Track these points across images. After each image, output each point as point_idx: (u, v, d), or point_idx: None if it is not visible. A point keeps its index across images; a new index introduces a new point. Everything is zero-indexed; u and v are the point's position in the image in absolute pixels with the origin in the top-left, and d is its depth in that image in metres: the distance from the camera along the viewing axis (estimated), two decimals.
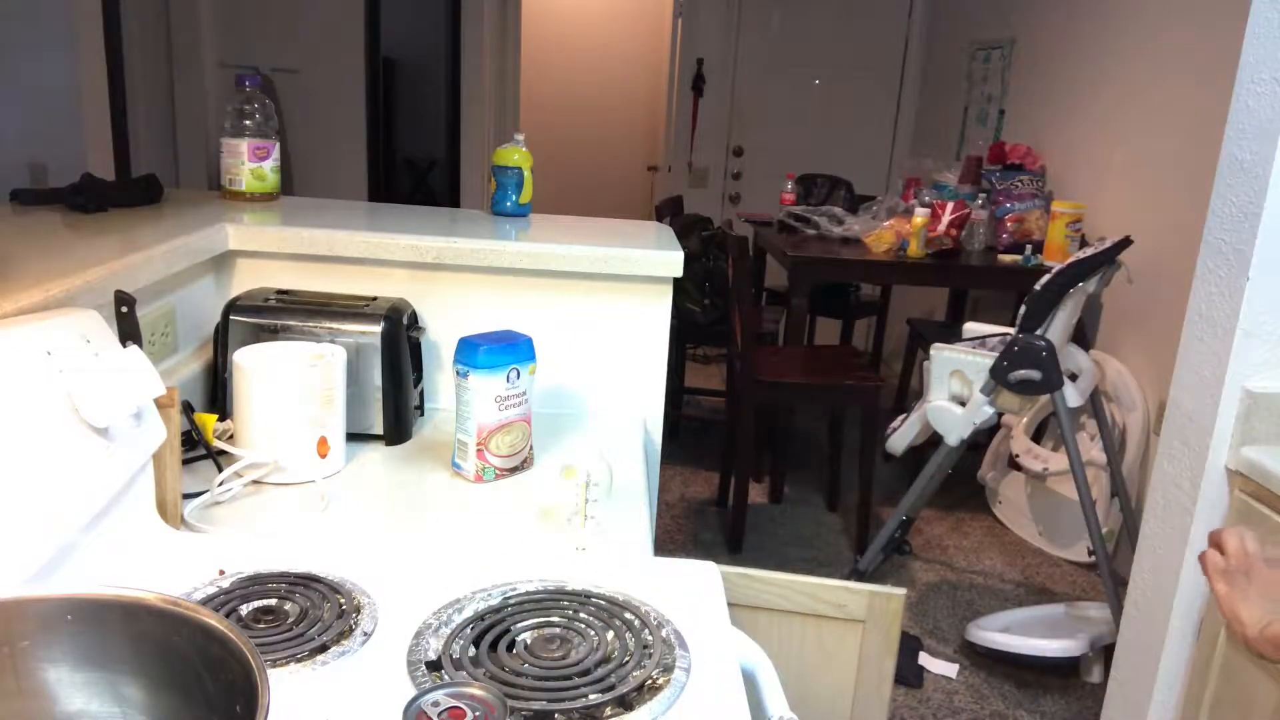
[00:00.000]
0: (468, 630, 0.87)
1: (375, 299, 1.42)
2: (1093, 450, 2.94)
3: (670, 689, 0.81)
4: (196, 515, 1.12)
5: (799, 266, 3.22)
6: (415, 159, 6.37)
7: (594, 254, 1.49)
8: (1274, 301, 1.59)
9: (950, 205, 3.44)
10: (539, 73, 6.03)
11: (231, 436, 1.25)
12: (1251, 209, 1.57)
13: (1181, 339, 1.74)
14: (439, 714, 0.64)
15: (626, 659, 0.84)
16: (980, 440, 3.23)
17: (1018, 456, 3.18)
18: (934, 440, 2.56)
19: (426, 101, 5.99)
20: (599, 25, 6.20)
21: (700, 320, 3.71)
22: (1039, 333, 2.35)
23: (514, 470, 1.30)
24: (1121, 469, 2.87)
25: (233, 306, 1.36)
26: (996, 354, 2.37)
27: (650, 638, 0.87)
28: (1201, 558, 0.97)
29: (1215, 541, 0.97)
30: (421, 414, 1.49)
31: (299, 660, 0.82)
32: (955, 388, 2.47)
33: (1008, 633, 2.50)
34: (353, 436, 1.33)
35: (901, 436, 2.64)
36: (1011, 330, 2.43)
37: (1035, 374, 2.32)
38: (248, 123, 1.65)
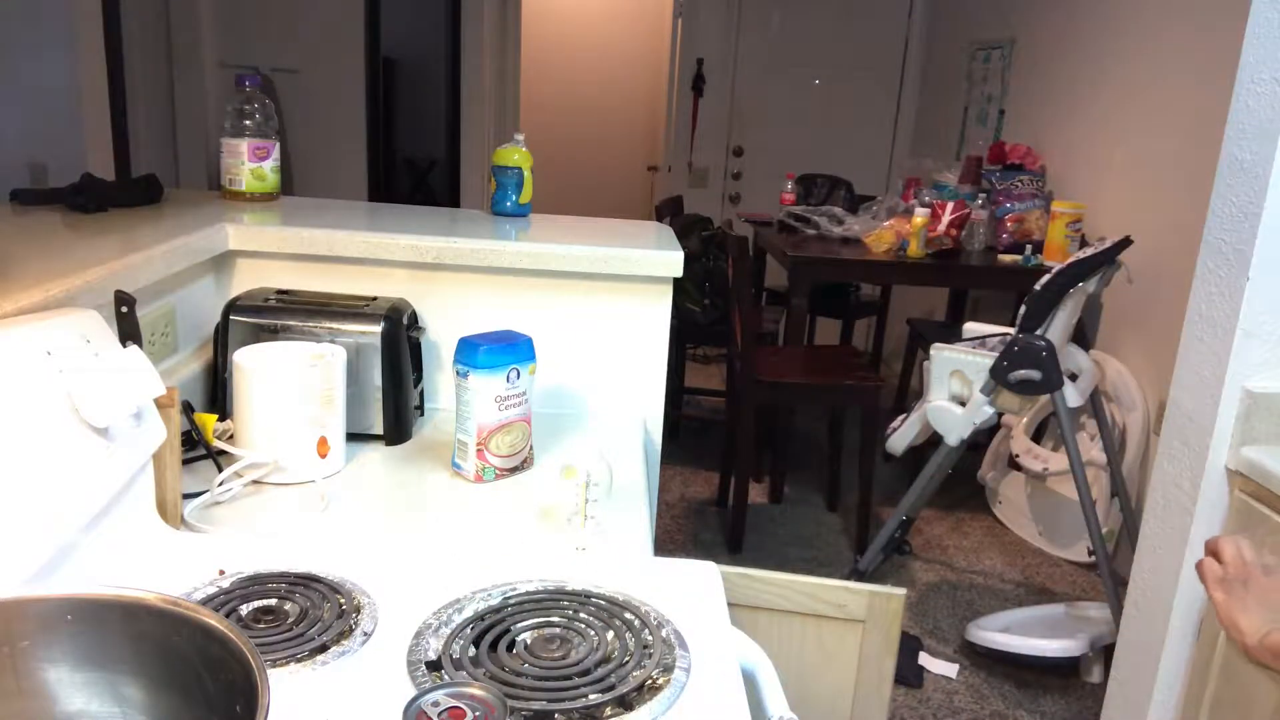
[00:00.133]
0: (468, 630, 0.87)
1: (375, 299, 1.42)
2: (1093, 450, 2.94)
3: (670, 689, 0.81)
4: (196, 515, 1.12)
5: (799, 266, 3.22)
6: (415, 159, 6.37)
7: (594, 254, 1.49)
8: (1274, 301, 1.59)
9: (950, 205, 3.44)
10: (539, 73, 6.03)
11: (231, 436, 1.25)
12: (1251, 209, 1.57)
13: (1181, 339, 1.74)
14: (439, 714, 0.64)
15: (626, 659, 0.84)
16: (980, 440, 3.23)
17: (1018, 456, 3.18)
18: (934, 440, 2.56)
19: (426, 101, 6.00)
20: (599, 25, 6.20)
21: (700, 320, 3.71)
22: (1039, 333, 2.35)
23: (514, 470, 1.30)
24: (1121, 469, 2.87)
25: (233, 306, 1.36)
26: (996, 354, 2.37)
27: (650, 638, 0.87)
28: (1199, 566, 0.97)
29: (1212, 550, 0.97)
30: (421, 414, 1.49)
31: (299, 660, 0.82)
32: (955, 388, 2.47)
33: (1008, 633, 2.50)
34: (353, 436, 1.33)
35: (901, 436, 2.64)
36: (1011, 330, 2.43)
37: (1035, 374, 2.32)
38: (248, 123, 1.65)
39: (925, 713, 2.33)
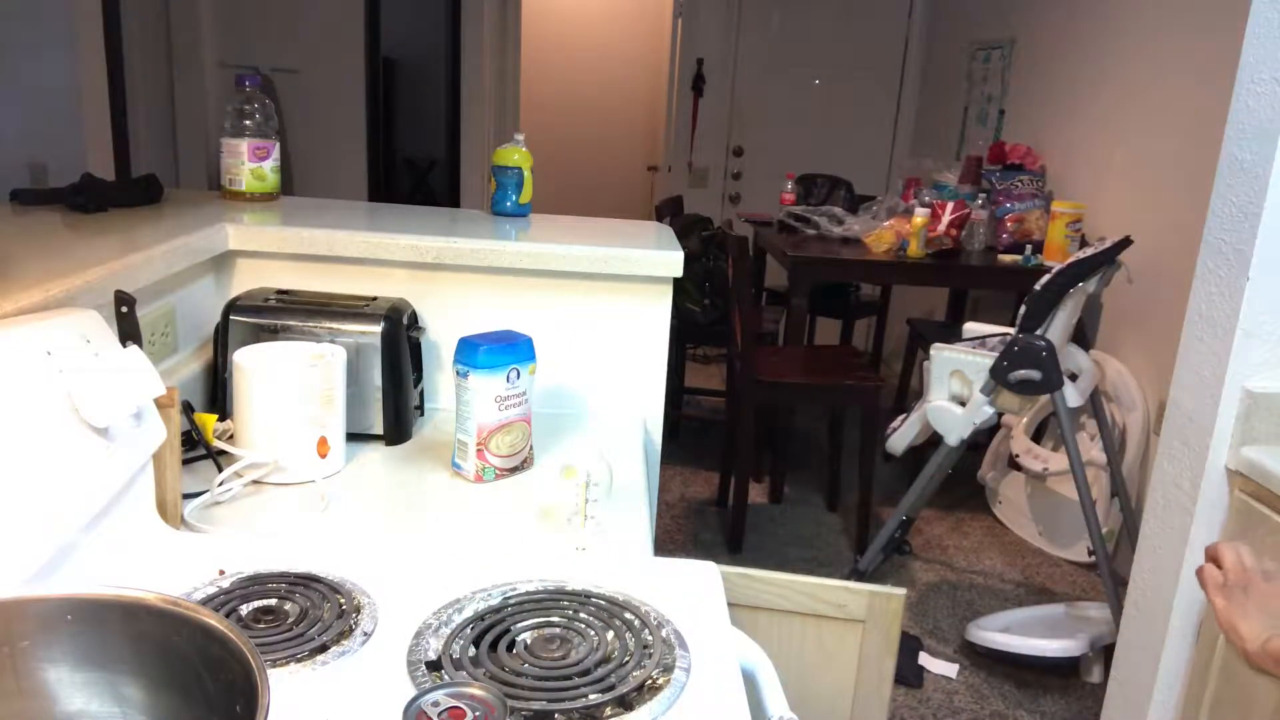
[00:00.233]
0: (468, 630, 0.87)
1: (375, 299, 1.42)
2: (1093, 450, 2.94)
3: (670, 689, 0.81)
4: (196, 515, 1.12)
5: (799, 266, 3.22)
6: (415, 159, 6.37)
7: (594, 254, 1.49)
8: (1274, 301, 1.59)
9: (950, 205, 3.44)
10: (539, 73, 6.03)
11: (231, 436, 1.25)
12: (1251, 209, 1.57)
13: (1181, 339, 1.74)
14: (439, 714, 0.64)
15: (626, 659, 0.84)
16: (980, 440, 3.23)
17: (1018, 456, 3.18)
18: (934, 440, 2.56)
19: (426, 101, 5.99)
20: (599, 25, 6.20)
21: (700, 320, 3.71)
22: (1039, 333, 2.35)
23: (514, 470, 1.30)
24: (1121, 469, 2.87)
25: (233, 306, 1.36)
26: (996, 354, 2.37)
27: (650, 638, 0.87)
28: (1199, 573, 0.97)
29: (1212, 556, 0.97)
30: (421, 414, 1.49)
31: (299, 660, 0.82)
32: (955, 388, 2.47)
33: (1008, 633, 2.50)
34: (353, 436, 1.33)
35: (901, 436, 2.64)
36: (1011, 330, 2.43)
37: (1035, 374, 2.32)
38: (248, 123, 1.65)
39: (925, 713, 2.33)
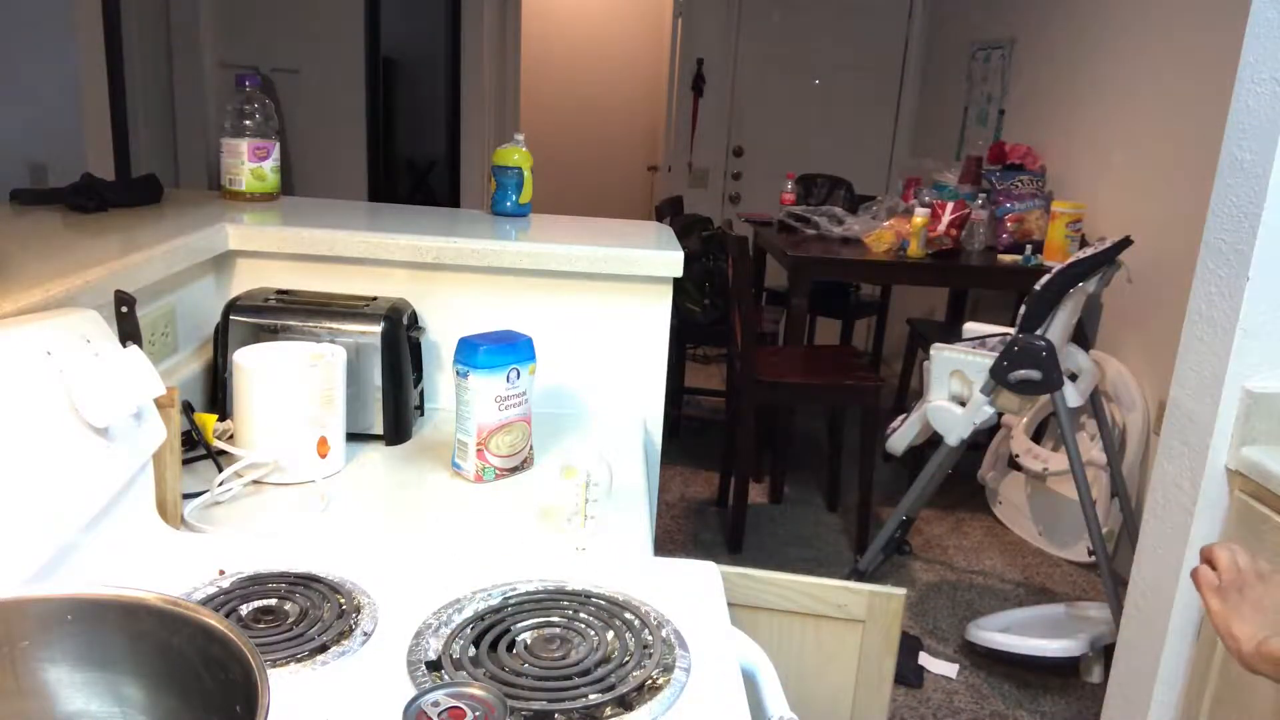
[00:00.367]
0: (468, 630, 0.87)
1: (375, 299, 1.42)
2: (1093, 450, 2.94)
3: (670, 689, 0.81)
4: (196, 515, 1.12)
5: (799, 266, 3.22)
6: (415, 159, 6.36)
7: (594, 254, 1.49)
8: (1274, 301, 1.59)
9: (950, 205, 3.44)
10: (539, 73, 6.03)
11: (231, 436, 1.25)
12: (1251, 209, 1.57)
13: (1181, 339, 1.74)
14: (439, 714, 0.64)
15: (626, 659, 0.84)
16: (980, 440, 3.23)
17: (1018, 456, 3.18)
18: (934, 440, 2.56)
19: (426, 101, 5.99)
20: (599, 25, 6.20)
21: (700, 320, 3.71)
22: (1039, 333, 2.35)
23: (514, 470, 1.30)
24: (1121, 469, 2.87)
25: (233, 306, 1.36)
26: (996, 354, 2.37)
27: (650, 638, 0.87)
28: (1194, 574, 0.97)
29: (1207, 557, 0.97)
30: (421, 414, 1.49)
31: (299, 660, 0.82)
32: (955, 388, 2.47)
33: (1008, 633, 2.50)
34: (353, 436, 1.33)
35: (901, 436, 2.64)
36: (1011, 330, 2.43)
37: (1035, 374, 2.32)
38: (248, 123, 1.65)
39: (925, 713, 2.33)
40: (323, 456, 1.24)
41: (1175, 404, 1.76)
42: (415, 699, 0.65)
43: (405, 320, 1.40)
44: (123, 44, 3.81)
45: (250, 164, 1.66)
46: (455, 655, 0.83)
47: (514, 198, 1.73)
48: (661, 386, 1.59)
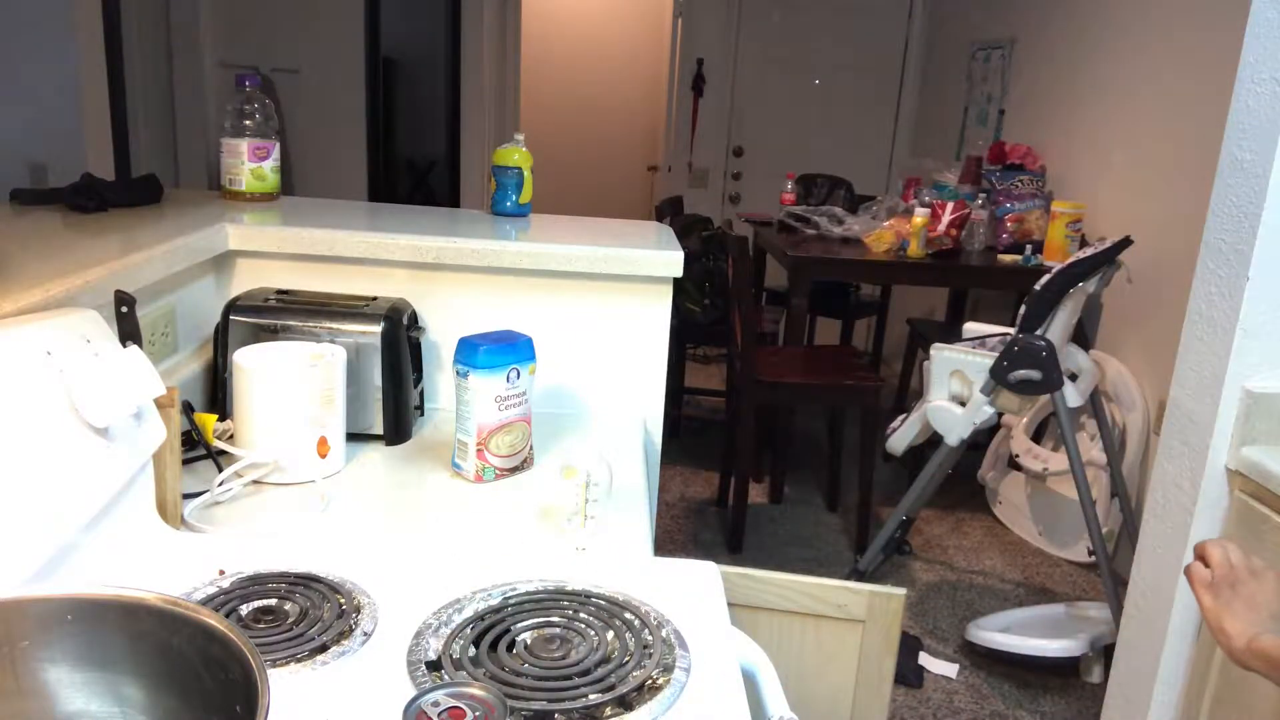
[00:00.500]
0: (468, 630, 0.87)
1: (375, 299, 1.42)
2: (1093, 450, 2.94)
3: (670, 689, 0.81)
4: (196, 515, 1.12)
5: (799, 266, 3.22)
6: (415, 159, 6.36)
7: (594, 254, 1.49)
8: (1274, 301, 1.59)
9: (950, 205, 3.44)
10: (539, 73, 6.02)
11: (231, 436, 1.25)
12: (1251, 209, 1.57)
13: (1181, 339, 1.74)
14: (439, 714, 0.64)
15: (626, 659, 0.84)
16: (980, 440, 3.23)
17: (1018, 456, 3.18)
18: (934, 440, 2.56)
19: (426, 101, 5.99)
20: (599, 25, 6.20)
21: (700, 320, 3.71)
22: (1039, 333, 2.35)
23: (514, 470, 1.30)
24: (1121, 469, 2.87)
25: (233, 306, 1.36)
26: (996, 354, 2.37)
27: (650, 638, 0.87)
28: (1187, 570, 0.97)
29: (1200, 553, 0.97)
30: (421, 414, 1.49)
31: (299, 660, 0.82)
32: (955, 388, 2.47)
33: (1008, 633, 2.50)
34: (353, 436, 1.33)
35: (901, 436, 2.64)
36: (1011, 330, 2.43)
37: (1035, 374, 2.32)
38: (248, 123, 1.65)
39: (925, 713, 2.33)
40: (323, 456, 1.24)
41: (1175, 404, 1.76)
42: (415, 699, 0.65)
43: (405, 320, 1.40)
44: (123, 44, 3.81)
45: (250, 164, 1.66)
46: (455, 655, 0.83)
47: (514, 198, 1.73)
48: (661, 386, 1.59)
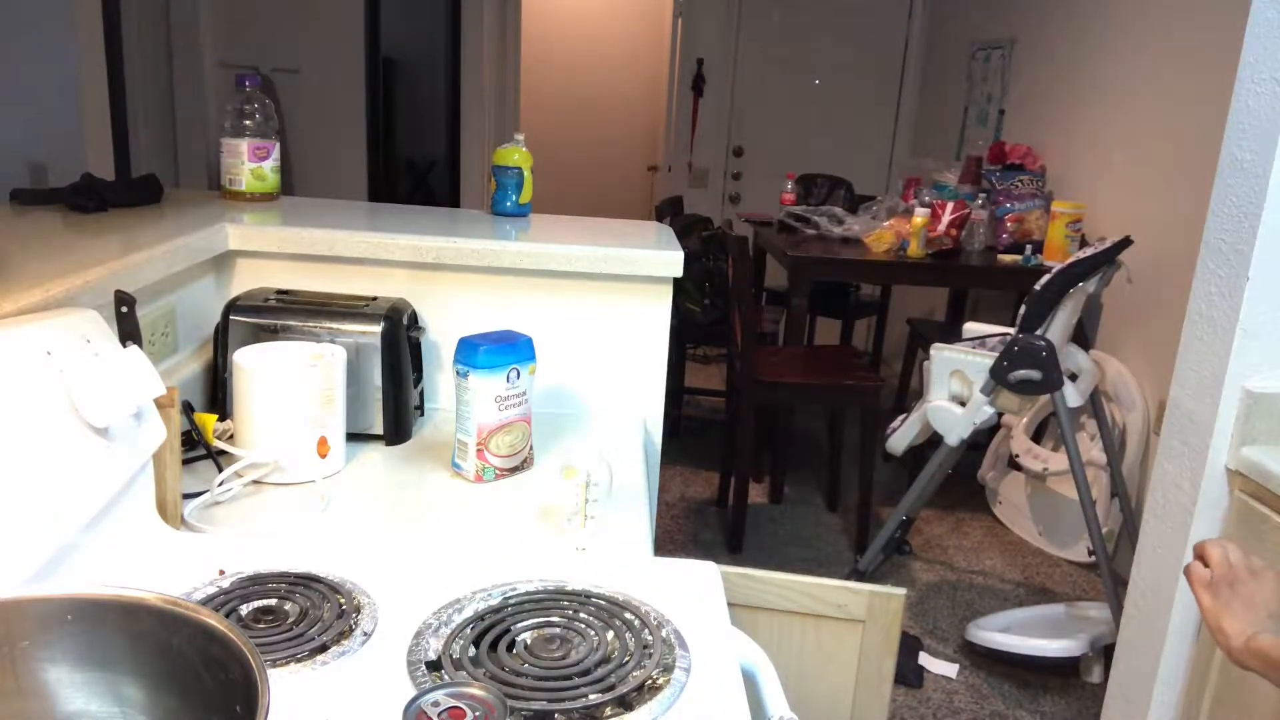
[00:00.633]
0: (468, 630, 0.87)
1: (375, 299, 1.42)
2: (1093, 450, 2.94)
3: (670, 689, 0.81)
4: (196, 515, 1.12)
5: (799, 266, 3.22)
6: (415, 159, 6.36)
7: (594, 254, 1.49)
8: (1274, 301, 1.59)
9: (950, 205, 3.44)
10: (539, 73, 6.02)
11: (231, 436, 1.25)
12: (1251, 209, 1.57)
13: (1181, 339, 1.74)
14: (439, 714, 0.64)
15: (626, 659, 0.84)
16: (980, 440, 3.23)
17: (1018, 456, 3.18)
18: (934, 440, 2.56)
19: (426, 101, 5.99)
20: (599, 25, 6.20)
21: (700, 320, 3.71)
22: (1039, 333, 2.35)
23: (514, 470, 1.30)
24: (1121, 469, 2.87)
25: (233, 306, 1.36)
26: (996, 354, 2.37)
27: (650, 638, 0.87)
28: (1186, 569, 0.97)
29: (1199, 553, 0.97)
30: (421, 414, 1.49)
31: (299, 660, 0.82)
32: (955, 388, 2.47)
33: (1008, 633, 2.50)
34: (353, 436, 1.33)
35: (901, 436, 2.64)
36: (1011, 330, 2.43)
37: (1035, 374, 2.32)
38: (248, 123, 1.65)
39: (925, 713, 2.33)
40: (323, 456, 1.24)
41: (1175, 404, 1.76)
42: (415, 699, 0.65)
43: (405, 320, 1.40)
44: (123, 44, 3.81)
45: (250, 164, 1.66)
46: (455, 655, 0.83)
47: (514, 198, 1.73)
48: (661, 386, 1.59)
